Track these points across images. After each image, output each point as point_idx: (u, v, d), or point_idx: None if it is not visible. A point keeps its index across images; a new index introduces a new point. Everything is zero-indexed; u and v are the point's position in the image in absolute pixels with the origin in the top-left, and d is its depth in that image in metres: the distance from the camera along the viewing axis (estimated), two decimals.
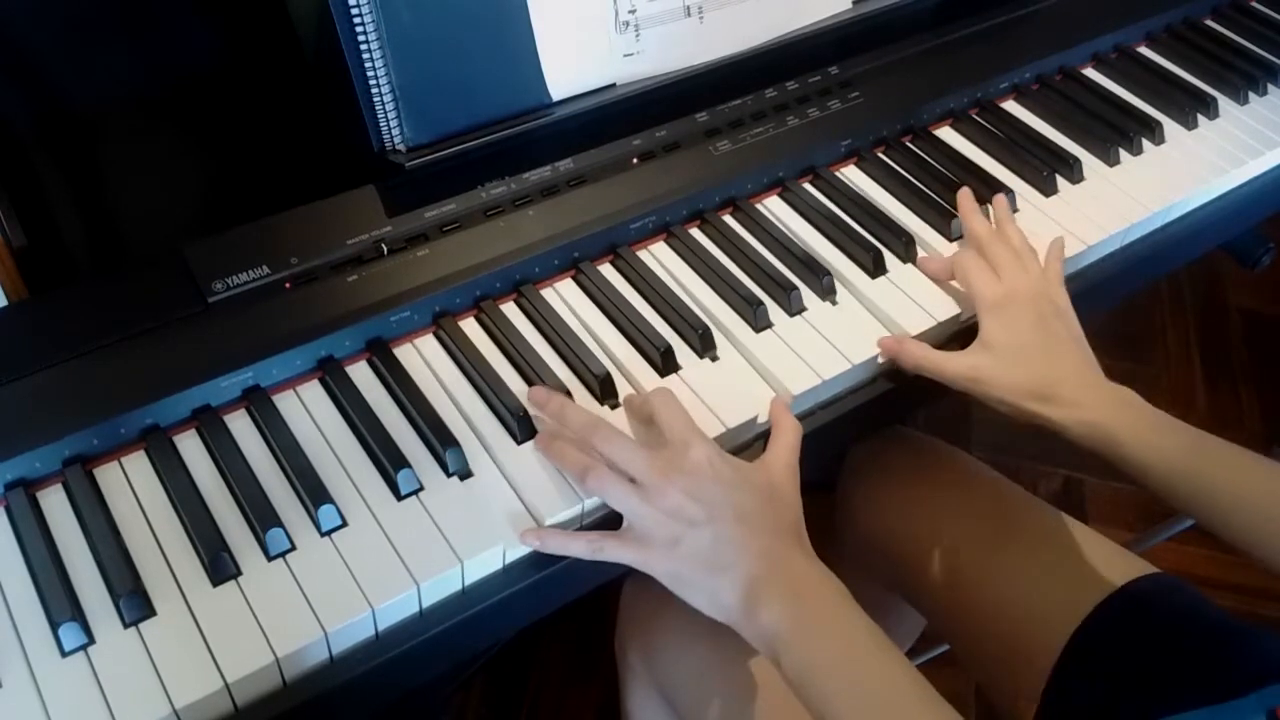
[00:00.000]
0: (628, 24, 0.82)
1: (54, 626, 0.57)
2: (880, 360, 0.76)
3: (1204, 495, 0.69)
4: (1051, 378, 0.72)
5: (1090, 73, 1.04)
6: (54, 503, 0.63)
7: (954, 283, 0.80)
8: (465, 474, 0.66)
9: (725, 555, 0.60)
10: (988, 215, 0.84)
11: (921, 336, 0.77)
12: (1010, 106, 0.99)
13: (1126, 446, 0.69)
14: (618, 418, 0.70)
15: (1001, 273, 0.77)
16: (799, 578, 0.60)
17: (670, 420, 0.65)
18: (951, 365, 0.74)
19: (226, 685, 0.56)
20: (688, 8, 0.84)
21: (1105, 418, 0.70)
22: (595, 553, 0.62)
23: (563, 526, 0.65)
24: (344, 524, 0.63)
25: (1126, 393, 0.73)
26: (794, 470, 0.66)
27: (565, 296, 0.78)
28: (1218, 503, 0.69)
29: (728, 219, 0.84)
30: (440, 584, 0.62)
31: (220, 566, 0.60)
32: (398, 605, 0.60)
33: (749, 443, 0.73)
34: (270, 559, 0.61)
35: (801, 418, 0.74)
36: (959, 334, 0.80)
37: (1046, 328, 0.74)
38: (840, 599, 0.60)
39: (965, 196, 0.84)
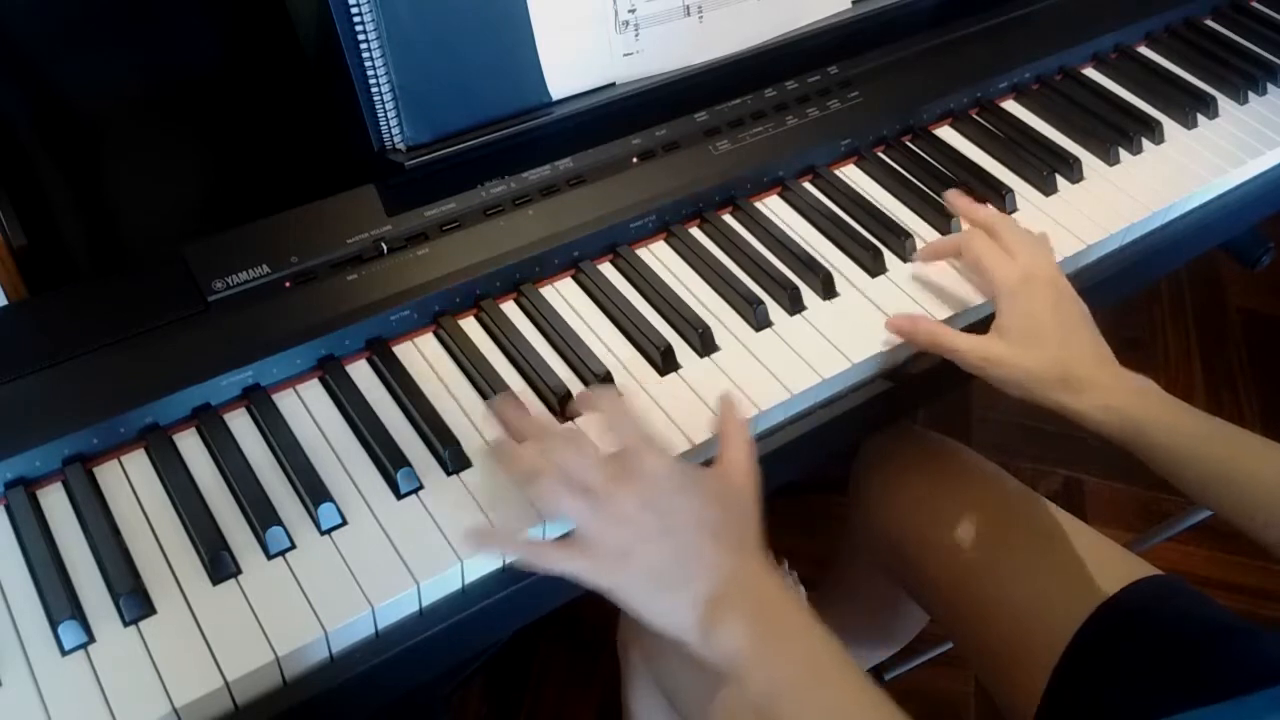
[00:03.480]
0: (627, 23, 0.82)
1: (54, 625, 0.57)
2: (884, 348, 0.76)
3: (1224, 483, 0.68)
4: (1068, 363, 0.71)
5: (1090, 73, 1.04)
6: (54, 501, 0.63)
7: (953, 264, 0.79)
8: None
9: (680, 570, 0.57)
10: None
11: None
12: (1010, 106, 0.99)
13: (1149, 432, 0.68)
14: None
15: (1018, 252, 0.75)
16: (761, 595, 0.57)
17: (624, 427, 0.62)
18: (966, 344, 0.73)
19: (226, 684, 0.56)
20: (687, 7, 0.84)
21: (1126, 403, 0.70)
22: (538, 558, 0.59)
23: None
24: (344, 523, 0.63)
25: (1144, 379, 0.72)
26: (754, 478, 0.62)
27: (565, 296, 0.78)
28: (1237, 492, 0.68)
29: (728, 218, 0.84)
30: (440, 583, 0.62)
31: (220, 565, 0.60)
32: (398, 604, 0.60)
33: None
34: (270, 558, 0.61)
35: (802, 417, 0.75)
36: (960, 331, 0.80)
37: (1063, 310, 0.73)
38: (801, 615, 0.57)
39: (957, 195, 0.83)
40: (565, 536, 0.62)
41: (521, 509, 0.64)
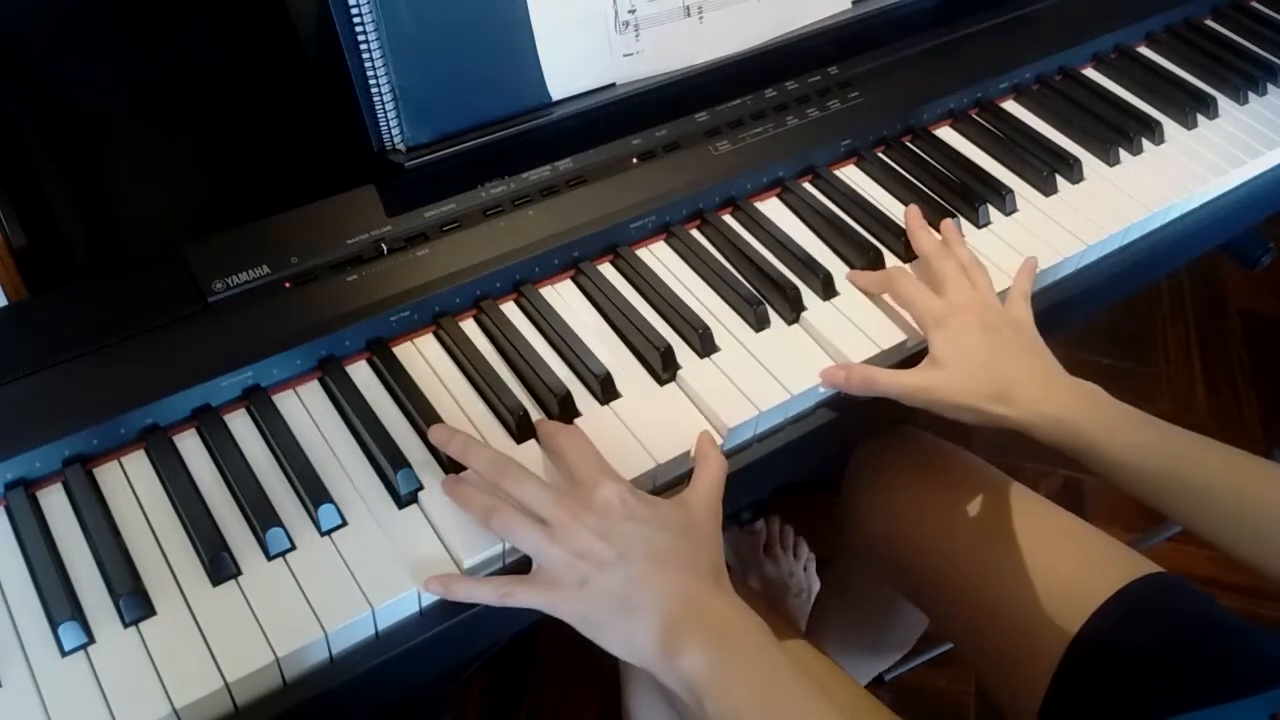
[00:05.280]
0: (628, 24, 0.82)
1: (54, 626, 0.57)
2: (884, 348, 0.76)
3: (1176, 491, 0.68)
4: (1006, 378, 0.71)
5: (1090, 73, 1.04)
6: (54, 502, 0.63)
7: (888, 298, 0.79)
8: None
9: (636, 596, 0.57)
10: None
11: (922, 336, 0.78)
12: (1010, 106, 0.99)
13: (1096, 441, 0.68)
14: (612, 423, 0.70)
15: (946, 286, 0.76)
16: (719, 619, 0.58)
17: (579, 459, 0.63)
18: (904, 381, 0.73)
19: (226, 685, 0.56)
20: (688, 8, 0.84)
21: (1070, 412, 0.69)
22: (504, 598, 0.60)
23: None
24: (344, 523, 0.63)
25: (1092, 387, 0.71)
26: (716, 507, 0.63)
27: (565, 296, 0.78)
28: (1190, 499, 0.68)
29: (727, 219, 0.84)
30: None
31: (220, 566, 0.60)
32: (398, 605, 0.60)
33: (747, 443, 0.73)
34: (270, 558, 0.61)
35: (803, 417, 0.75)
36: None
37: (995, 334, 0.73)
38: (762, 639, 0.57)
39: (913, 214, 0.84)
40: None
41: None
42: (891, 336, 0.77)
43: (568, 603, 0.59)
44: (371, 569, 0.61)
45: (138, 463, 0.65)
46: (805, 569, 1.39)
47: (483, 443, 0.66)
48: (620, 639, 0.58)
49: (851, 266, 0.82)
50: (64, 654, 0.56)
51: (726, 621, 0.58)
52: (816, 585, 1.36)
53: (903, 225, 0.84)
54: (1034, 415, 0.70)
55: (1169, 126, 0.98)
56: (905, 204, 0.87)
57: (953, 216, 0.85)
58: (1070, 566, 0.81)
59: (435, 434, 0.65)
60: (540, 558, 0.60)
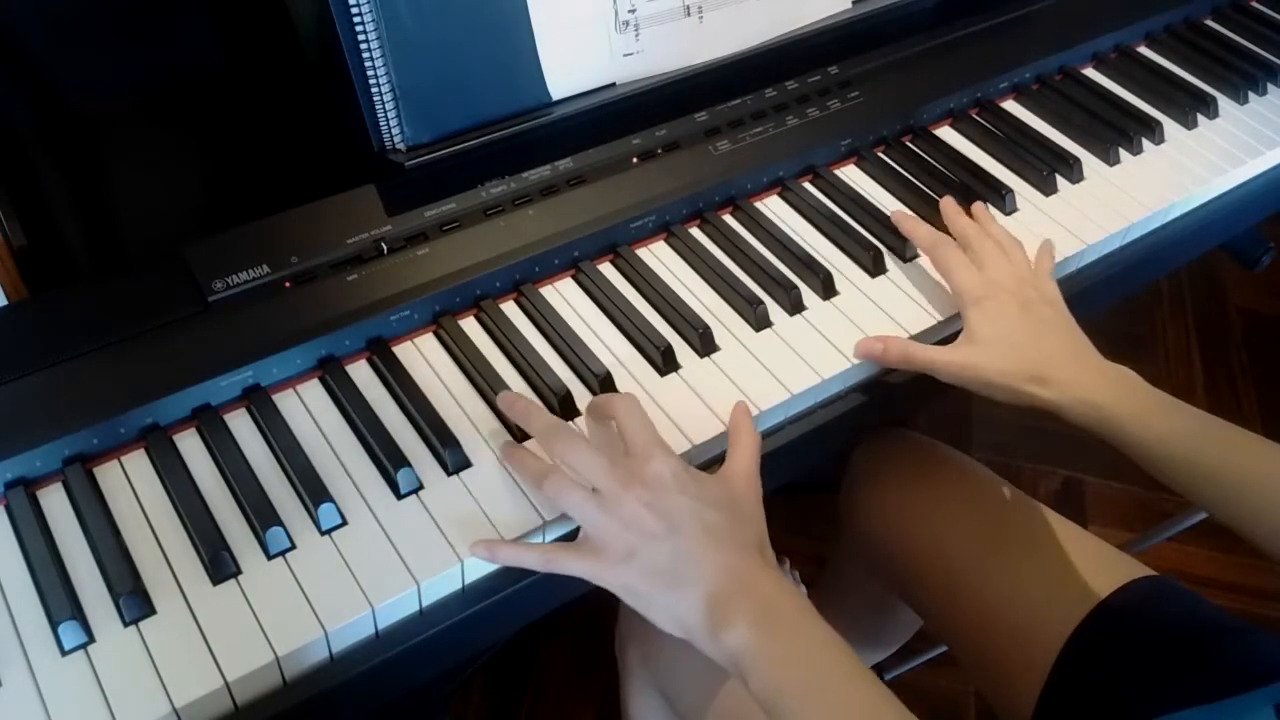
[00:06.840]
0: (628, 23, 0.82)
1: (54, 625, 0.57)
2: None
3: (1207, 478, 0.68)
4: (1043, 359, 0.71)
5: (1090, 73, 1.04)
6: (54, 502, 0.63)
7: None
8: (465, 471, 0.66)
9: (685, 571, 0.58)
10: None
11: (922, 335, 0.77)
12: (1010, 106, 0.99)
13: (1128, 426, 0.69)
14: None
15: (985, 264, 0.76)
16: (765, 595, 0.58)
17: (634, 430, 0.63)
18: (940, 356, 0.73)
19: (226, 684, 0.56)
20: (688, 7, 0.84)
21: (1104, 397, 0.70)
22: (549, 564, 0.60)
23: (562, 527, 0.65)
24: (344, 523, 0.63)
25: (1127, 372, 0.72)
26: (755, 482, 0.64)
27: (565, 296, 0.78)
28: (1220, 485, 0.68)
29: (728, 218, 0.84)
30: (440, 582, 0.62)
31: (220, 565, 0.60)
32: (398, 604, 0.60)
33: None
34: (270, 558, 0.61)
35: (802, 417, 0.75)
36: (959, 332, 0.80)
37: (1032, 313, 0.73)
38: (807, 616, 0.58)
39: (949, 202, 0.84)
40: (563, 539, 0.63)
41: (520, 510, 0.64)
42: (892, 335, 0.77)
43: (612, 572, 0.59)
44: (371, 568, 0.61)
45: (138, 462, 0.65)
46: (791, 569, 1.39)
47: (542, 407, 0.67)
48: (665, 611, 0.58)
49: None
50: (64, 653, 0.56)
51: (773, 598, 0.58)
52: (801, 587, 1.36)
53: None
54: (1068, 398, 0.70)
55: (1169, 126, 0.98)
56: (905, 204, 0.87)
57: None
58: (1064, 570, 0.81)
59: (503, 398, 0.67)
60: (589, 525, 0.60)
